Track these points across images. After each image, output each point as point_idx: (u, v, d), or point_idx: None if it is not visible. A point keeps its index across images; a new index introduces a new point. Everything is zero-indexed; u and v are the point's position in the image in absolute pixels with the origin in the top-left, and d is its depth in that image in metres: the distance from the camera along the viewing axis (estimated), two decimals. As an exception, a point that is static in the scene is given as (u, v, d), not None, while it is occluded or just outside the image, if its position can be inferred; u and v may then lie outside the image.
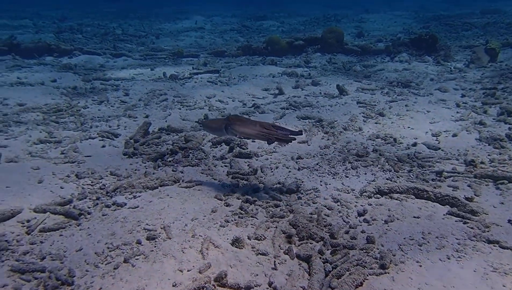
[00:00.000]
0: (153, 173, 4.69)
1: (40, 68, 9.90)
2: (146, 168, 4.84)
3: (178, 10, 24.44)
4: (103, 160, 5.03)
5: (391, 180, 4.44)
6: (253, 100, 7.64)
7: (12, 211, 3.66)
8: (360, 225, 3.62)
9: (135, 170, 4.79)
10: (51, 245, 3.29)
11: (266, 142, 3.94)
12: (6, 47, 10.94)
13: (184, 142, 5.46)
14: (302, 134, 4.14)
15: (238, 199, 4.06)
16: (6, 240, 3.31)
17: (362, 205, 3.95)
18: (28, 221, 3.62)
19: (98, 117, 6.61)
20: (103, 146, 5.49)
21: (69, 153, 5.15)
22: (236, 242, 3.32)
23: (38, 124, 6.16)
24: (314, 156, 5.14)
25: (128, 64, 10.69)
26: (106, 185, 4.34)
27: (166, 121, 6.44)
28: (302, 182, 4.45)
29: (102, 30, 15.88)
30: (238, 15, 22.41)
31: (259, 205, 3.95)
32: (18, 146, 5.28)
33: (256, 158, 5.10)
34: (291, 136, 3.90)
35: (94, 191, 4.21)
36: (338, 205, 3.96)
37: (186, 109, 7.07)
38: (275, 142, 3.97)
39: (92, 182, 4.41)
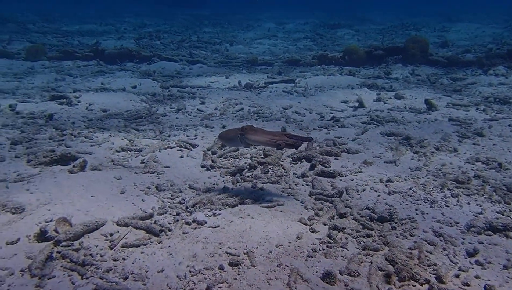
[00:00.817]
0: (232, 189, 4.50)
1: (122, 74, 10.27)
2: (225, 183, 4.66)
3: (251, 18, 24.62)
4: (182, 172, 4.94)
5: (503, 214, 3.86)
6: (331, 113, 7.27)
7: (97, 223, 3.63)
8: (472, 268, 3.12)
9: (214, 184, 4.64)
10: (133, 263, 3.18)
11: (275, 148, 4.09)
12: (92, 53, 11.53)
13: (262, 156, 5.23)
14: (312, 140, 4.48)
15: (325, 224, 3.72)
16: (90, 254, 3.25)
17: (471, 243, 3.43)
18: (111, 234, 3.56)
19: (176, 126, 6.61)
20: (181, 157, 5.42)
21: (149, 163, 5.12)
22: (327, 277, 2.98)
23: (120, 131, 6.27)
24: (405, 179, 4.66)
25: (204, 72, 10.78)
26: (186, 200, 4.21)
27: (243, 132, 6.27)
28: (395, 209, 4.01)
29: (178, 37, 16.32)
30: (311, 22, 22.08)
31: (349, 234, 3.58)
32: (101, 153, 5.36)
33: (340, 178, 4.73)
34: (300, 141, 4.10)
35: (174, 206, 4.09)
36: (441, 241, 3.48)
37: (263, 120, 6.86)
38: (284, 147, 4.09)
39: (172, 196, 4.30)
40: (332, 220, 3.79)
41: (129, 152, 5.53)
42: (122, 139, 5.91)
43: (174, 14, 26.18)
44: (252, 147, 4.25)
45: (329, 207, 4.07)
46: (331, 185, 4.55)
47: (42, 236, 3.42)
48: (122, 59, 11.47)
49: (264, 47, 14.92)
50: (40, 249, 3.26)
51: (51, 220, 3.66)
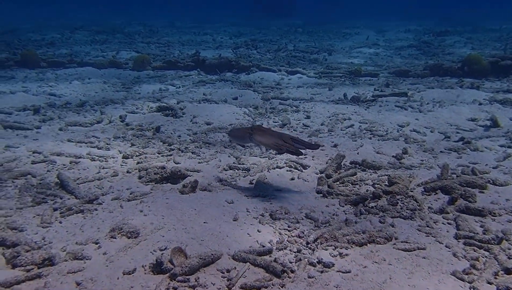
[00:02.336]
0: (356, 222, 3.90)
1: (222, 84, 10.19)
2: (346, 214, 4.08)
3: (347, 25, 23.75)
4: (295, 197, 4.46)
5: None
6: (458, 132, 6.32)
7: (212, 256, 3.27)
8: None
9: (333, 214, 4.08)
10: (257, 313, 2.74)
11: (277, 152, 4.33)
12: (193, 62, 11.68)
13: (388, 184, 4.56)
14: (317, 148, 4.78)
15: (489, 283, 2.96)
16: (208, 295, 2.88)
17: None
18: (228, 270, 3.17)
19: (282, 142, 6.18)
20: (292, 179, 4.95)
21: (259, 184, 4.73)
22: None
23: (226, 146, 6.00)
24: None
25: (304, 83, 10.31)
26: (305, 233, 3.71)
27: (358, 153, 5.64)
28: None
29: (274, 46, 16.11)
30: (413, 30, 20.62)
31: (524, 301, 2.79)
32: (210, 172, 5.09)
33: (493, 217, 3.89)
34: (305, 149, 4.35)
35: (293, 240, 3.61)
36: None
37: (378, 139, 6.16)
38: (285, 153, 4.24)
39: (289, 227, 3.82)
40: (497, 277, 3.02)
41: (236, 170, 5.20)
42: (229, 156, 5.61)
43: (267, 23, 26.25)
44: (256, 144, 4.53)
45: (486, 257, 3.28)
46: (482, 227, 3.74)
47: (157, 267, 3.14)
48: (222, 69, 11.45)
49: (365, 57, 14.07)
50: (156, 282, 2.97)
51: (165, 248, 3.38)
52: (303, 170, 5.18)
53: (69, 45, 15.80)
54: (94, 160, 5.36)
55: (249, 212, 4.09)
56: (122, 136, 6.33)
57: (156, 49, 15.71)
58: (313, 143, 4.50)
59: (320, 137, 6.36)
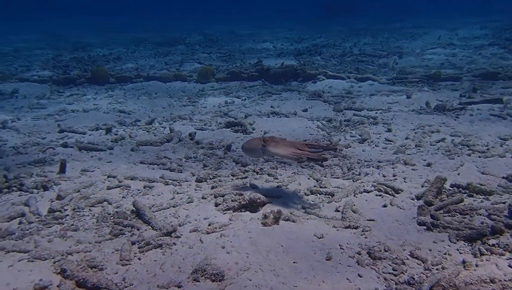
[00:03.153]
0: (477, 265, 3.26)
1: (288, 95, 9.76)
2: (461, 253, 3.45)
3: (414, 25, 22.42)
4: (393, 230, 3.89)
5: None
6: None
7: (312, 311, 2.82)
8: None
9: (445, 253, 3.47)
10: None
11: (297, 162, 4.09)
12: (257, 72, 11.37)
13: (509, 215, 3.85)
14: (336, 149, 4.51)
15: None
16: None
17: None
18: (331, 329, 2.71)
19: (365, 161, 5.60)
20: (385, 206, 4.38)
21: (347, 213, 4.21)
22: None
23: (303, 166, 5.53)
24: None
25: (377, 90, 9.61)
26: (416, 279, 3.14)
27: (458, 174, 4.93)
28: None
29: (338, 51, 15.45)
30: (489, 26, 18.96)
31: None
32: (290, 197, 4.65)
33: None
34: (323, 155, 4.11)
35: (402, 288, 3.06)
36: None
37: (479, 156, 5.39)
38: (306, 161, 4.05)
39: (394, 270, 3.28)
40: None
41: (318, 195, 4.72)
42: (309, 178, 5.14)
43: (327, 25, 25.52)
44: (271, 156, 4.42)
45: None
46: None
47: (250, 323, 2.74)
48: (287, 78, 11.03)
49: (440, 58, 13.00)
50: None
51: (255, 297, 2.98)
52: (396, 195, 4.59)
53: (134, 58, 16.17)
54: (168, 184, 5.12)
55: (342, 249, 3.59)
56: (194, 156, 6.07)
57: (217, 59, 15.63)
58: (331, 145, 4.44)
59: (408, 154, 5.70)
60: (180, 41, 20.68)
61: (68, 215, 4.38)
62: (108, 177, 5.31)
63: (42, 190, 4.96)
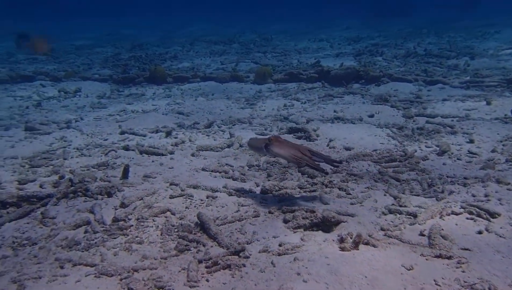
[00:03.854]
0: None
1: (351, 98, 9.25)
2: None
3: (483, 23, 20.90)
4: (495, 263, 3.37)
5: None
6: None
7: None
8: None
9: None
10: None
11: (297, 166, 4.17)
12: (316, 74, 10.92)
13: None
14: (340, 165, 4.68)
15: None
16: None
17: None
18: None
19: (448, 177, 5.05)
20: (479, 232, 3.85)
21: (436, 239, 3.72)
22: None
23: (376, 180, 5.07)
24: None
25: (449, 95, 8.86)
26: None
27: None
28: None
29: (401, 51, 14.63)
30: None
31: None
32: (366, 217, 4.22)
33: None
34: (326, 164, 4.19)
35: None
36: None
37: None
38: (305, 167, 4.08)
39: (503, 317, 2.79)
40: None
41: (398, 215, 4.26)
42: (385, 195, 4.69)
43: (384, 24, 24.46)
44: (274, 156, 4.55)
45: None
46: None
47: None
48: (348, 80, 10.49)
49: (519, 59, 11.91)
50: None
51: (342, 341, 2.61)
52: (492, 220, 4.03)
53: (190, 57, 16.22)
54: (231, 195, 4.86)
55: (438, 285, 3.13)
56: (256, 164, 5.78)
57: (272, 59, 15.32)
58: (334, 159, 4.42)
59: (499, 170, 5.07)
60: (234, 40, 20.59)
61: (132, 225, 4.22)
62: (170, 184, 5.14)
63: (106, 196, 4.86)
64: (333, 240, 3.76)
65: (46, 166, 5.86)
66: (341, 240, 3.69)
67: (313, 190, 4.86)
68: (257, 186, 5.09)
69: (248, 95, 10.26)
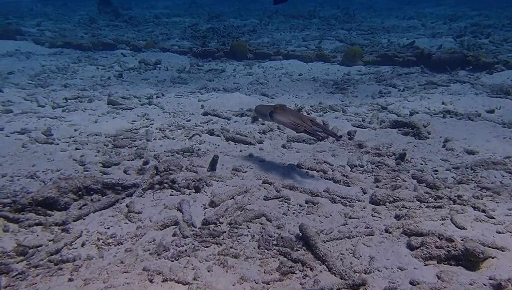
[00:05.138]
0: None
1: (459, 88, 8.02)
2: None
3: None
4: None
5: None
6: None
7: None
8: None
9: None
10: None
11: (295, 131, 4.25)
12: (414, 57, 9.69)
13: None
14: (341, 139, 4.98)
15: None
16: None
17: None
18: None
19: None
20: None
21: None
22: None
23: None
24: None
25: None
26: None
27: None
28: None
29: (510, 33, 12.74)
30: None
31: None
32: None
33: None
34: (323, 134, 4.32)
35: None
36: None
37: None
38: (302, 132, 4.24)
39: None
40: None
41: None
42: (526, 219, 3.72)
43: (481, 1, 21.84)
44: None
45: None
46: None
47: None
48: (452, 66, 9.18)
49: None
50: None
51: None
52: None
53: (269, 32, 15.43)
54: (335, 202, 4.14)
55: None
56: (359, 163, 4.99)
57: (358, 37, 14.10)
58: (334, 133, 4.59)
59: None
60: (314, 14, 19.40)
61: (224, 231, 3.66)
62: (263, 182, 4.52)
63: (194, 191, 4.35)
64: (485, 285, 2.92)
65: (129, 147, 5.50)
66: (499, 288, 2.84)
67: (438, 206, 3.99)
68: (364, 193, 4.32)
69: (336, 77, 9.34)
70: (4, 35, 12.01)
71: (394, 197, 4.12)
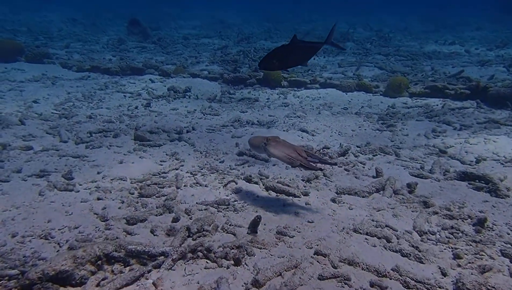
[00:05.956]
0: None
1: (524, 129, 7.10)
2: None
3: None
4: None
5: None
6: None
7: None
8: None
9: None
10: None
11: (290, 166, 4.10)
12: (468, 90, 8.82)
13: None
14: (335, 165, 4.63)
15: None
16: None
17: None
18: None
19: None
20: None
21: None
22: None
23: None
24: None
25: None
26: None
27: None
28: None
29: None
30: None
31: None
32: None
33: None
34: (320, 164, 4.17)
35: None
36: None
37: None
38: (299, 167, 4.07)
39: None
40: None
41: None
42: None
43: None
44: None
45: None
46: None
47: None
48: (513, 101, 8.26)
49: None
50: None
51: None
52: None
53: (301, 56, 14.77)
54: (409, 288, 3.33)
55: None
56: (429, 230, 4.16)
57: (397, 63, 13.29)
58: (330, 161, 4.32)
59: None
60: (347, 37, 18.71)
61: (275, 329, 2.89)
62: (315, 253, 3.75)
63: (232, 263, 3.62)
64: None
65: (157, 196, 4.83)
66: None
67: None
68: (443, 275, 3.49)
69: (380, 110, 8.55)
70: (33, 59, 11.76)
71: (488, 287, 3.27)
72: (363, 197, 4.92)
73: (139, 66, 11.62)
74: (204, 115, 8.21)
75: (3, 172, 5.21)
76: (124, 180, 5.21)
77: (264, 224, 4.24)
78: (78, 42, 17.01)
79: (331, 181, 5.31)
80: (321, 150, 6.34)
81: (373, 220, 4.34)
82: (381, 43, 17.25)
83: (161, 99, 9.19)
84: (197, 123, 7.63)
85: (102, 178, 5.25)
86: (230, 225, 4.22)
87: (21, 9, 27.77)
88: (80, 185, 5.02)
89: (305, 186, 5.17)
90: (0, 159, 5.58)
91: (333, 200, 4.80)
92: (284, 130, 7.26)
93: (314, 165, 4.17)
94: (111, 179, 5.20)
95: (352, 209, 4.62)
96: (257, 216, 4.07)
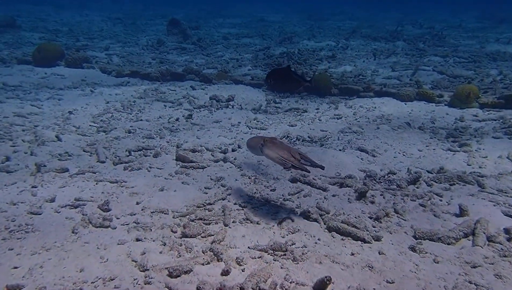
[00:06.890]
0: None
1: None
2: None
3: None
4: None
5: None
6: None
7: None
8: None
9: None
10: None
11: (283, 167, 4.18)
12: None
13: None
14: (323, 169, 4.27)
15: None
16: None
17: None
18: None
19: None
20: None
21: None
22: None
23: None
24: None
25: None
26: None
27: None
28: None
29: None
30: None
31: None
32: None
33: None
34: (309, 167, 4.18)
35: None
36: None
37: None
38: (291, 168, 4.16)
39: None
40: None
41: None
42: None
43: None
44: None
45: None
46: None
47: None
48: None
49: None
50: None
51: None
52: None
53: (349, 57, 13.84)
54: None
55: None
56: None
57: (457, 65, 12.09)
58: (319, 164, 4.24)
59: None
60: (396, 35, 17.51)
61: None
62: (404, 333, 2.97)
63: None
64: None
65: (203, 236, 4.19)
66: None
67: None
68: None
69: (447, 124, 7.56)
70: (72, 63, 11.49)
71: None
72: (448, 244, 4.07)
73: (180, 72, 11.09)
74: (249, 129, 7.53)
75: (36, 202, 4.74)
76: (165, 213, 4.61)
77: (333, 283, 3.50)
78: (118, 43, 16.78)
79: (405, 220, 4.49)
80: (386, 176, 5.52)
81: (470, 282, 3.50)
82: (436, 42, 15.97)
83: (203, 109, 8.59)
84: (242, 139, 6.95)
85: (142, 209, 4.66)
86: (291, 282, 3.51)
87: (64, 8, 28.18)
88: (118, 218, 4.46)
89: (374, 227, 4.38)
90: (34, 184, 5.12)
91: (413, 249, 3.99)
92: (340, 149, 6.46)
93: (306, 167, 4.18)
94: (151, 212, 4.61)
95: (438, 263, 3.79)
96: (326, 277, 3.33)
